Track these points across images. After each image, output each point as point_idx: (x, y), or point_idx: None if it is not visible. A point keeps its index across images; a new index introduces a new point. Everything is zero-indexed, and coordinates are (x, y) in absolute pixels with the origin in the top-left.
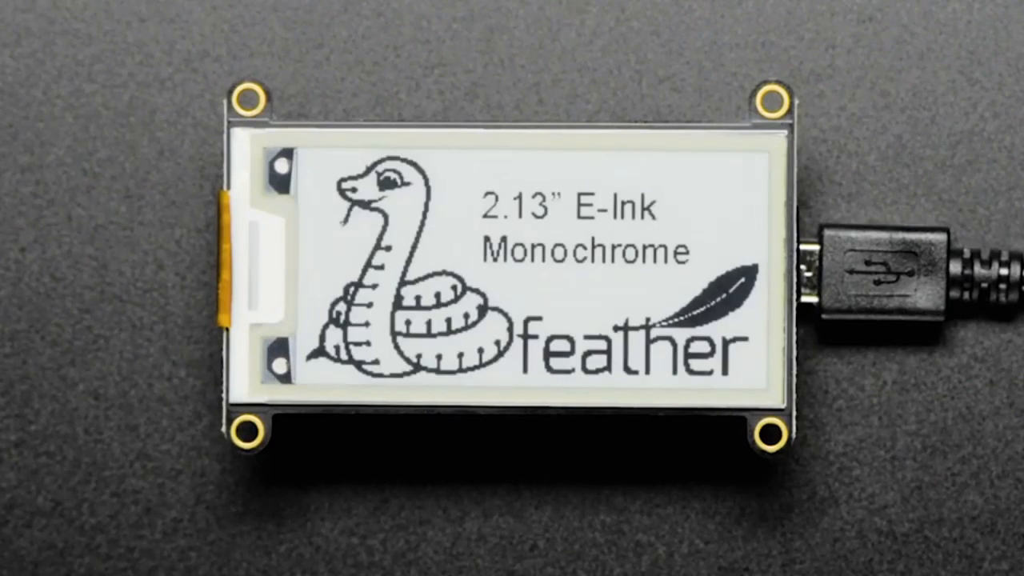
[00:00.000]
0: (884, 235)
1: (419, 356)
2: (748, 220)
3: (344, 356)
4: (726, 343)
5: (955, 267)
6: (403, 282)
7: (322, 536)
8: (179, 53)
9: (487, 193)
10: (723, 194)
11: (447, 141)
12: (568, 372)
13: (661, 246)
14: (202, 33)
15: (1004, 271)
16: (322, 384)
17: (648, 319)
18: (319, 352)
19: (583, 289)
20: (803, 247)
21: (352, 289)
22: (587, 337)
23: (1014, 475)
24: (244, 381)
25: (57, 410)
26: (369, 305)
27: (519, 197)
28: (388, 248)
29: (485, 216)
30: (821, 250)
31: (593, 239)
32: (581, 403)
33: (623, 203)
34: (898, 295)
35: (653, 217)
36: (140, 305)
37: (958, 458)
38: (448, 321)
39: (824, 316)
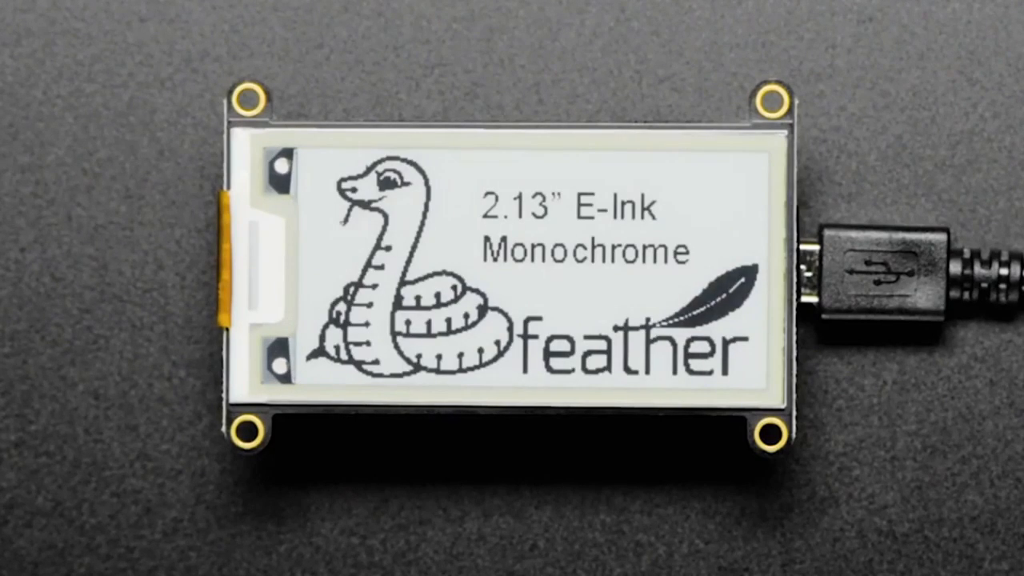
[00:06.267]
0: (884, 235)
1: (419, 356)
2: (748, 220)
3: (344, 356)
4: (726, 343)
5: (955, 267)
6: (403, 282)
7: (322, 536)
8: (179, 53)
9: (487, 193)
10: (723, 194)
11: (447, 141)
12: (568, 372)
13: (661, 246)
14: (202, 33)
15: (1004, 271)
16: (322, 384)
17: (648, 319)
18: (319, 352)
19: (583, 289)
20: (803, 247)
21: (352, 289)
22: (587, 337)
23: (1014, 475)
24: (244, 381)
25: (57, 410)
26: (369, 305)
27: (519, 197)
28: (388, 248)
29: (485, 216)
30: (821, 250)
31: (593, 239)
32: (581, 403)
33: (623, 203)
34: (898, 295)
35: (653, 217)
36: (140, 305)
37: (958, 458)
38: (448, 321)
39: (824, 316)
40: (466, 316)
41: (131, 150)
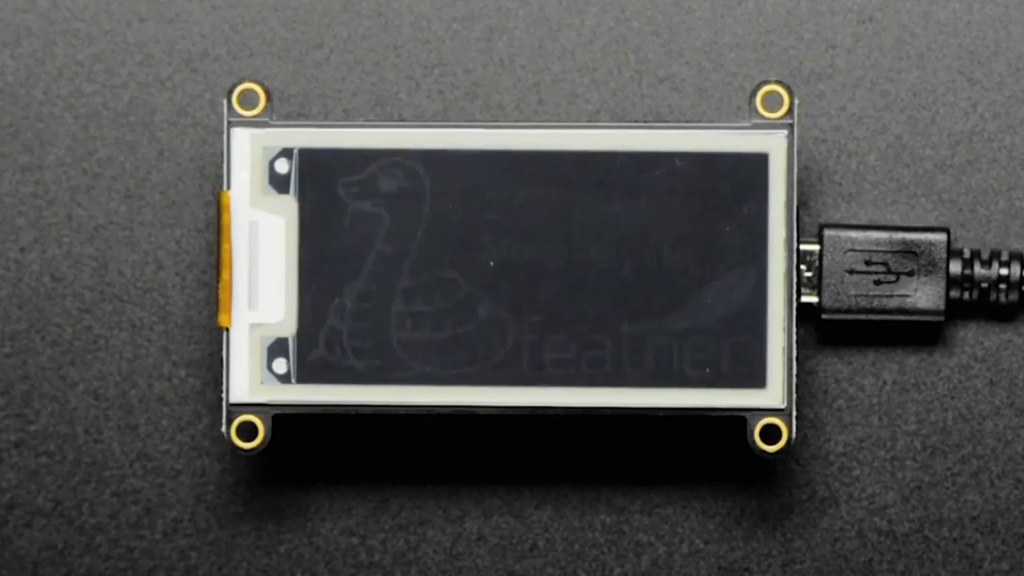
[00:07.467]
0: (884, 235)
1: (419, 356)
2: (748, 220)
3: (344, 356)
4: (726, 343)
5: (955, 267)
6: (403, 282)
7: (322, 536)
8: (179, 53)
9: (487, 193)
10: (723, 194)
11: (447, 141)
12: (568, 372)
13: (661, 246)
14: (202, 33)
15: (1004, 271)
16: (322, 384)
17: (648, 319)
18: (319, 352)
19: (583, 289)
20: (803, 247)
21: (352, 289)
22: (587, 337)
23: (1014, 475)
24: (244, 381)
25: (57, 410)
26: (369, 305)
27: (519, 197)
28: (388, 248)
29: (485, 216)
30: (821, 250)
31: (593, 239)
32: (581, 403)
33: (623, 203)
34: (898, 295)
35: (653, 217)
36: (140, 305)
37: (958, 458)
38: (448, 321)
39: (824, 316)
40: (466, 316)
41: (131, 150)
